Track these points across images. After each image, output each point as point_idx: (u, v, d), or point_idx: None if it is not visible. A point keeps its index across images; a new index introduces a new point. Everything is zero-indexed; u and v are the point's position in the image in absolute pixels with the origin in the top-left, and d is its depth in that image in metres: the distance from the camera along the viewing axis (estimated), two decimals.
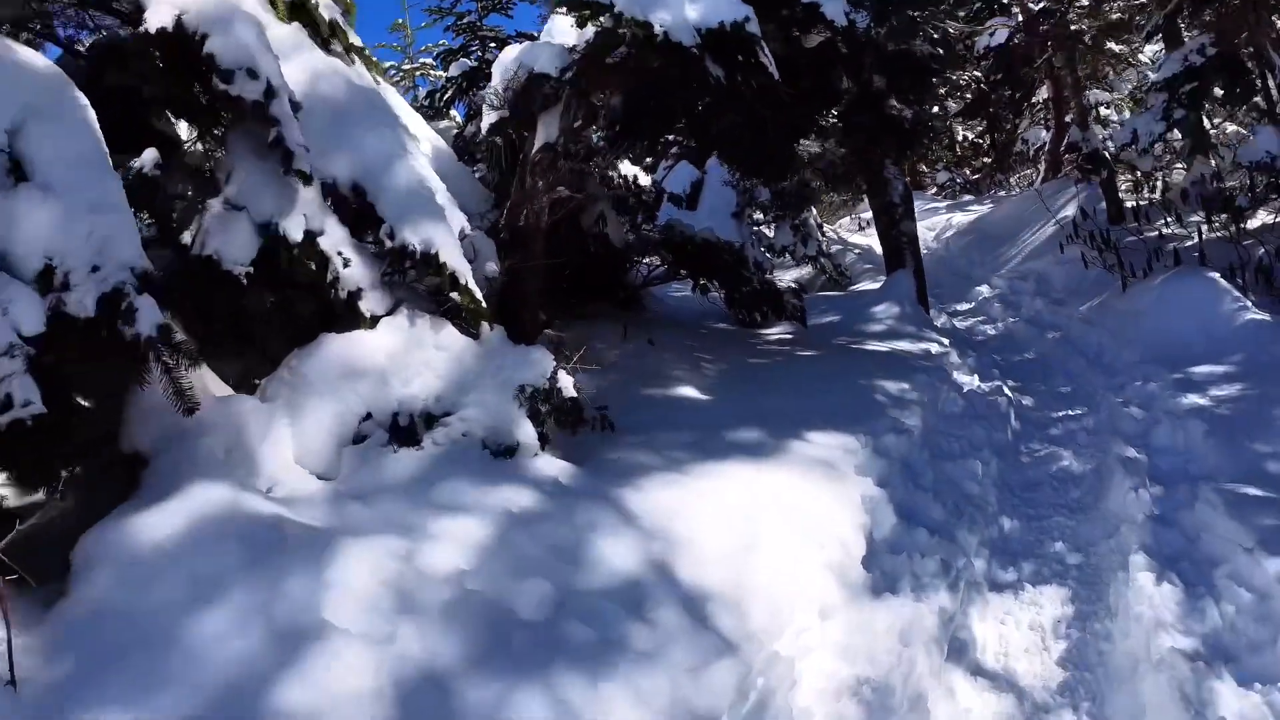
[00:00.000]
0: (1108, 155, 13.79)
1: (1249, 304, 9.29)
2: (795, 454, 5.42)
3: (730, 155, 8.75)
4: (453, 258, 4.60)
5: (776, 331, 9.38)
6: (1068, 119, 17.90)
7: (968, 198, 23.23)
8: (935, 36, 8.62)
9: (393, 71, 16.64)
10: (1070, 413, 8.34)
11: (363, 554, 3.41)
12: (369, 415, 4.34)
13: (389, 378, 4.41)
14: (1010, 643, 4.75)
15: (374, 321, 4.54)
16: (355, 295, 4.47)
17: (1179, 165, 16.89)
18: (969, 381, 8.77)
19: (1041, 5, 16.77)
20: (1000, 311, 13.16)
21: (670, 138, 12.23)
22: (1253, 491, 5.39)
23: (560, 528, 3.94)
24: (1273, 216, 11.45)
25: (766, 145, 8.15)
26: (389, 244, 4.56)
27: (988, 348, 11.44)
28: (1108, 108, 20.32)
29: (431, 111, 12.28)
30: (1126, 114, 21.39)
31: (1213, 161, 14.39)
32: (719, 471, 4.93)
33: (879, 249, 12.92)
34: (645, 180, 13.47)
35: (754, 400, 6.45)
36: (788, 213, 13.53)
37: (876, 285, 13.34)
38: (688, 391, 6.51)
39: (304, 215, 4.37)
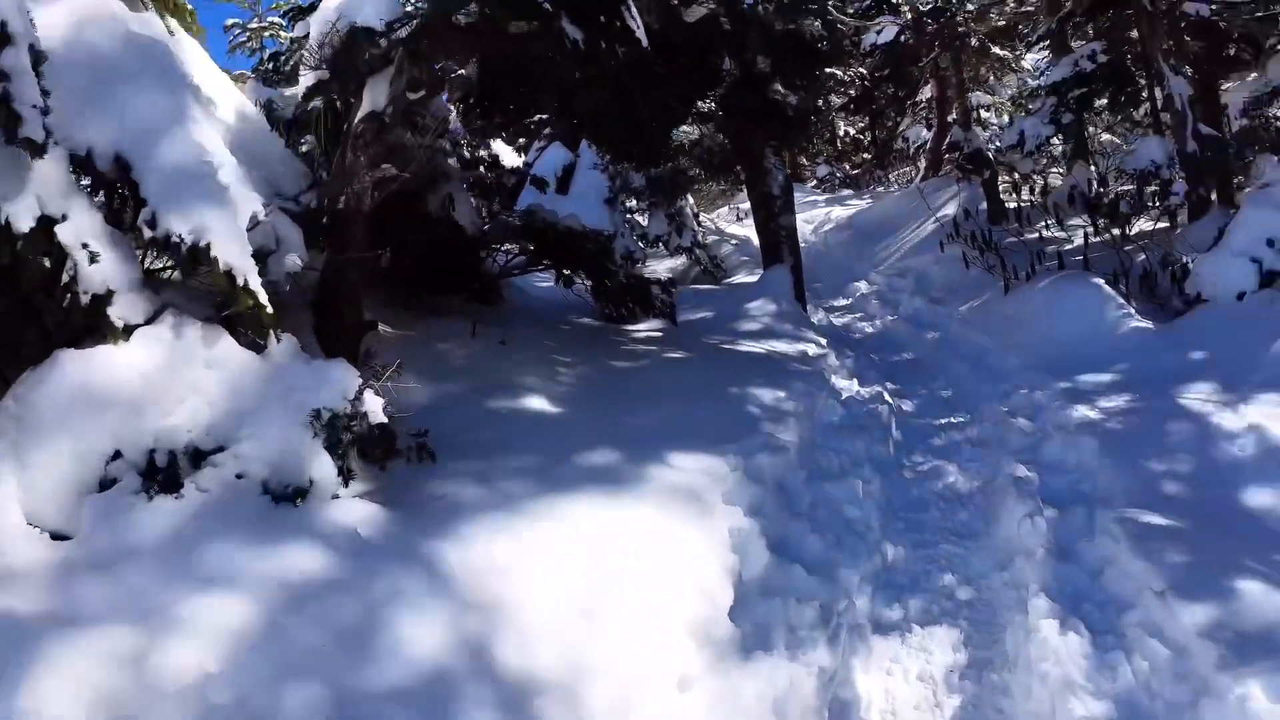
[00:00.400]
0: (990, 156, 13.48)
1: (1133, 311, 9.02)
2: (656, 482, 4.67)
3: (597, 135, 7.93)
4: (230, 251, 3.66)
5: (645, 329, 8.62)
6: (950, 119, 17.68)
7: (847, 192, 22.89)
8: (823, 23, 7.96)
9: (238, 31, 15.16)
10: (953, 420, 7.86)
11: (76, 659, 2.55)
12: (118, 454, 3.41)
13: (145, 406, 3.47)
14: (898, 699, 4.19)
15: (128, 333, 3.59)
16: (103, 299, 3.51)
17: (1055, 170, 16.85)
18: (848, 387, 8.19)
19: (930, 5, 16.50)
20: (879, 309, 12.70)
21: (543, 116, 11.35)
22: (1154, 520, 5.00)
23: (350, 602, 3.08)
24: (1153, 223, 11.23)
25: (636, 125, 7.39)
26: (149, 233, 3.61)
27: (866, 347, 10.93)
28: (988, 110, 20.23)
29: (278, 77, 11.15)
30: (1006, 117, 21.42)
31: (1091, 167, 14.25)
32: (564, 508, 4.15)
33: (757, 241, 12.31)
34: (515, 160, 12.49)
35: (613, 413, 5.68)
36: (662, 200, 12.78)
37: (753, 279, 12.72)
38: (538, 404, 5.68)
39: (37, 197, 3.41)
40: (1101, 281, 9.49)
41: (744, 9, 6.88)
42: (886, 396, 7.91)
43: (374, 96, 4.91)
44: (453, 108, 7.24)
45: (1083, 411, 6.94)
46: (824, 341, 9.27)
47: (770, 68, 7.84)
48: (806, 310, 10.80)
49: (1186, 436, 6.16)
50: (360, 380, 3.87)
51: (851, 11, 18.78)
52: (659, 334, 8.56)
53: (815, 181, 24.60)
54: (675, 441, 5.19)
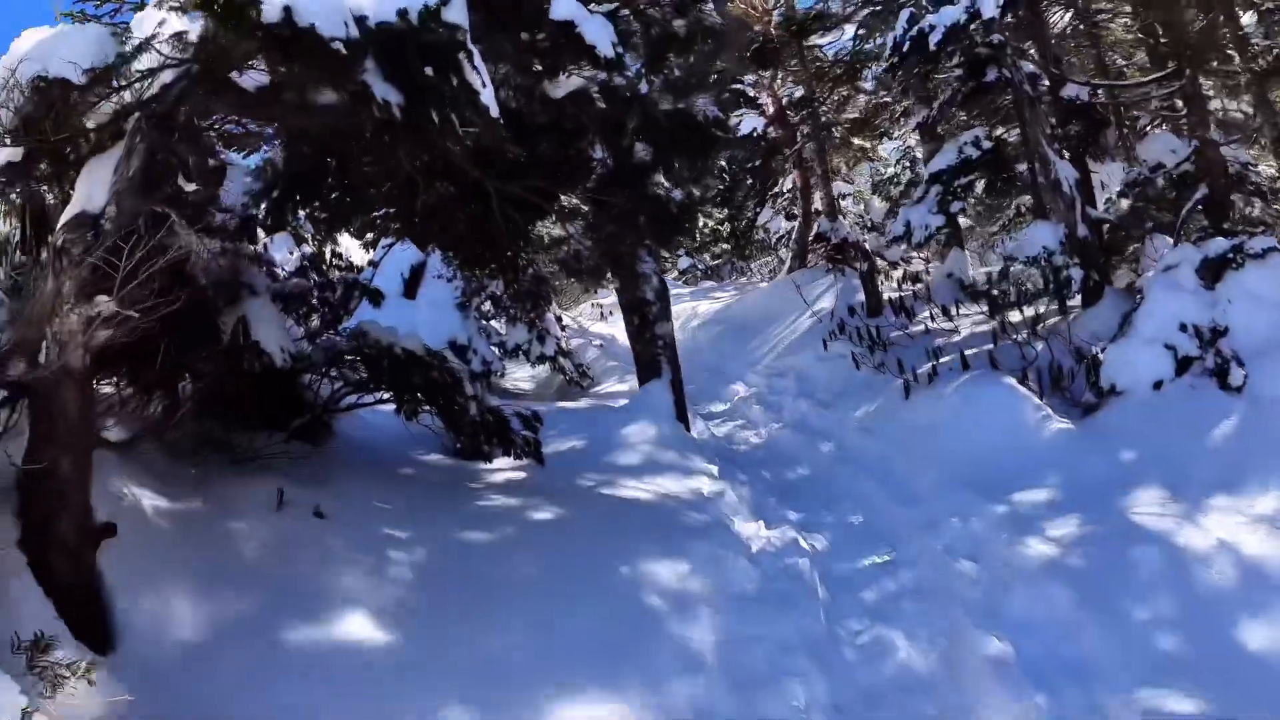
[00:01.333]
0: (866, 246, 12.41)
1: (1050, 412, 7.93)
2: None
3: (443, 241, 6.28)
4: None
5: (507, 469, 6.85)
6: (815, 209, 16.76)
7: (709, 284, 21.74)
8: (718, 101, 6.48)
9: None
10: (877, 560, 6.45)
11: None
12: None
13: None
14: None
15: None
16: None
17: (916, 255, 16.15)
18: (754, 532, 6.59)
19: (795, 96, 15.74)
20: (761, 415, 11.27)
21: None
22: (1176, 704, 3.95)
23: None
24: (1044, 310, 10.22)
25: (487, 227, 5.80)
26: None
27: (754, 463, 9.45)
28: (845, 199, 19.51)
29: None
30: (862, 206, 20.83)
31: (966, 253, 13.37)
32: None
33: (623, 339, 10.84)
34: (362, 257, 10.62)
35: (464, 632, 3.92)
36: (521, 310, 11.16)
37: (623, 386, 11.22)
38: (358, 627, 3.85)
39: None
40: (1014, 382, 8.34)
41: (622, 85, 5.41)
42: (802, 542, 6.37)
43: (88, 190, 3.15)
44: (249, 202, 5.48)
45: (1038, 548, 5.80)
46: (716, 471, 7.71)
47: (652, 156, 6.34)
48: (690, 430, 9.26)
49: (1158, 567, 5.18)
50: (25, 699, 2.04)
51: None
52: (523, 475, 6.84)
53: (677, 274, 23.43)
54: (555, 681, 3.49)
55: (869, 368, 10.42)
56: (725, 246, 22.70)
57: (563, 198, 6.37)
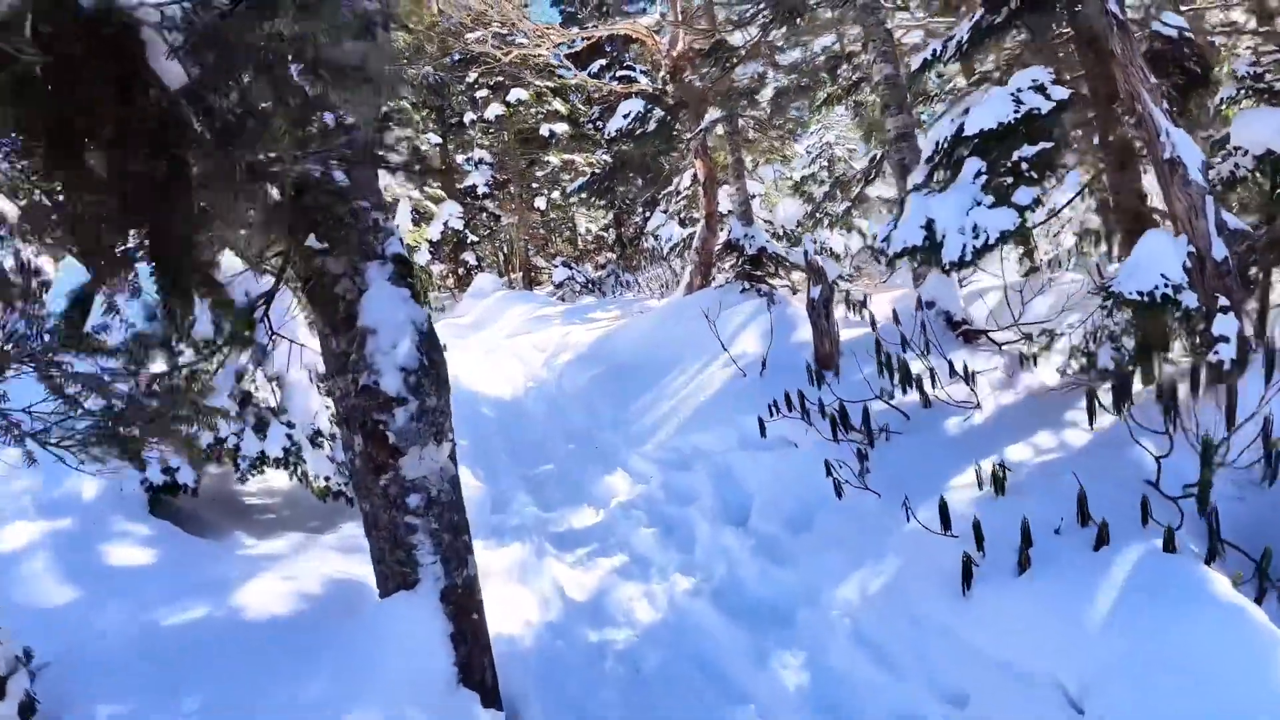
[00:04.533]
0: (819, 262, 7.11)
1: None
2: None
3: None
4: None
5: None
6: (724, 211, 11.49)
7: (589, 301, 16.23)
8: None
9: None
10: None
11: None
12: None
13: None
14: None
15: None
16: None
17: (841, 268, 11.27)
18: None
19: (699, 43, 10.43)
20: (655, 548, 5.92)
21: None
22: None
23: None
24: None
25: None
26: None
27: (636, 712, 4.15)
28: (754, 199, 14.23)
29: None
30: (769, 211, 15.67)
31: (953, 275, 8.24)
32: None
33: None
34: None
35: None
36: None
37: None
38: None
39: None
40: (1248, 603, 3.17)
41: None
42: None
43: None
44: None
45: None
46: None
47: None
48: (498, 697, 3.69)
49: None
50: None
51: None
52: None
53: (553, 287, 17.82)
54: None
55: (854, 484, 5.19)
56: (610, 256, 17.21)
57: None
